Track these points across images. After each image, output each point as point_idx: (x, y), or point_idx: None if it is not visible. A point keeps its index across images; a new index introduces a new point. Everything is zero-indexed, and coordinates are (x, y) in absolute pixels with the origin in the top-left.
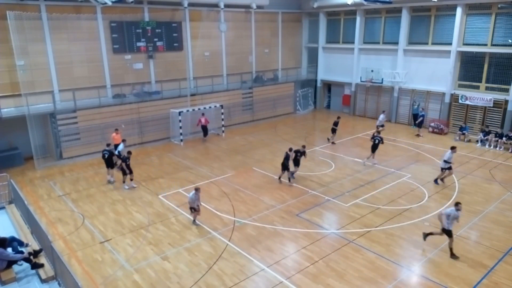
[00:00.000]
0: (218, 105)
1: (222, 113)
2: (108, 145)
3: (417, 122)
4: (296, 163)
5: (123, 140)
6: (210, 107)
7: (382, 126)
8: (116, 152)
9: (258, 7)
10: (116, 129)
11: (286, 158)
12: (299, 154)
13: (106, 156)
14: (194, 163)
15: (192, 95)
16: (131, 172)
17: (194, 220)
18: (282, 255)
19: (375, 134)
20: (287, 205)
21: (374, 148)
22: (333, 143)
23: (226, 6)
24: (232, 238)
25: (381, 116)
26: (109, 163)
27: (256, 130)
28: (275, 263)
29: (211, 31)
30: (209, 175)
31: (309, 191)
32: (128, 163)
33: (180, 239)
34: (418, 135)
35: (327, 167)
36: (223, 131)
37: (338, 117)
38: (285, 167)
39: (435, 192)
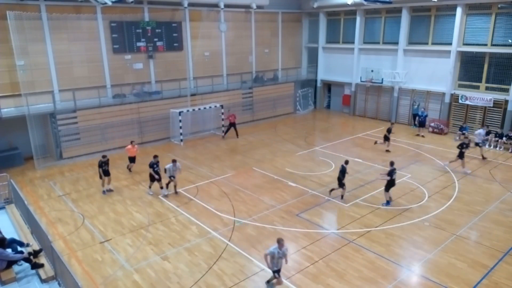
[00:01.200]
0: (218, 105)
1: (222, 113)
2: (103, 156)
3: (416, 122)
4: (391, 184)
5: (174, 161)
6: (210, 107)
7: (480, 144)
8: (166, 168)
9: (258, 7)
10: (132, 142)
11: (342, 171)
12: (394, 172)
13: (103, 166)
14: (194, 163)
15: (192, 95)
16: (159, 179)
17: (268, 281)
18: None
19: (465, 144)
20: (287, 205)
21: (461, 154)
22: (387, 151)
23: (226, 6)
24: (232, 238)
25: (481, 131)
26: (105, 172)
27: (256, 130)
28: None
29: (211, 31)
30: (209, 175)
31: (309, 191)
32: (156, 169)
33: (180, 239)
34: (418, 135)
35: (327, 167)
36: (223, 131)
37: (392, 123)
38: (341, 182)
39: (435, 192)
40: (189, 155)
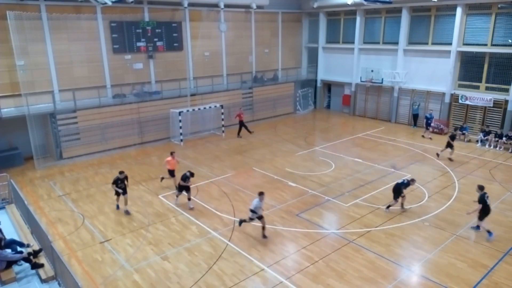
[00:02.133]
0: (218, 105)
1: (222, 113)
2: (121, 172)
3: (426, 125)
4: (485, 212)
5: (261, 194)
6: (210, 107)
7: None
8: (252, 208)
9: (258, 7)
10: (172, 153)
11: (405, 184)
12: (487, 197)
13: (118, 184)
14: (194, 163)
15: (192, 95)
16: (188, 191)
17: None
18: (282, 255)
19: None
20: (287, 205)
21: None
22: (450, 159)
23: (226, 6)
24: (232, 238)
25: None
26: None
27: (256, 130)
28: (275, 263)
29: (211, 31)
30: (209, 175)
31: (309, 191)
32: (187, 183)
33: (180, 239)
34: (428, 138)
35: (327, 167)
36: (223, 131)
37: (455, 129)
38: (396, 194)
39: (435, 192)
40: (189, 155)
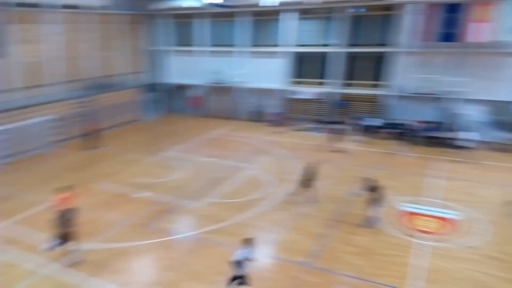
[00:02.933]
0: (47, 118)
1: (55, 127)
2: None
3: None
4: None
5: (247, 241)
6: (38, 122)
7: None
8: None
9: (91, 8)
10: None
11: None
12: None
13: None
14: (20, 189)
15: (11, 110)
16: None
17: None
18: (137, 273)
19: None
20: (138, 218)
21: None
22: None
23: (56, 7)
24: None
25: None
26: None
27: (97, 142)
28: (128, 284)
29: (39, 35)
30: (37, 201)
31: (160, 199)
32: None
33: None
34: (276, 131)
35: (177, 170)
36: (58, 147)
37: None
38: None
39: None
40: (12, 182)
